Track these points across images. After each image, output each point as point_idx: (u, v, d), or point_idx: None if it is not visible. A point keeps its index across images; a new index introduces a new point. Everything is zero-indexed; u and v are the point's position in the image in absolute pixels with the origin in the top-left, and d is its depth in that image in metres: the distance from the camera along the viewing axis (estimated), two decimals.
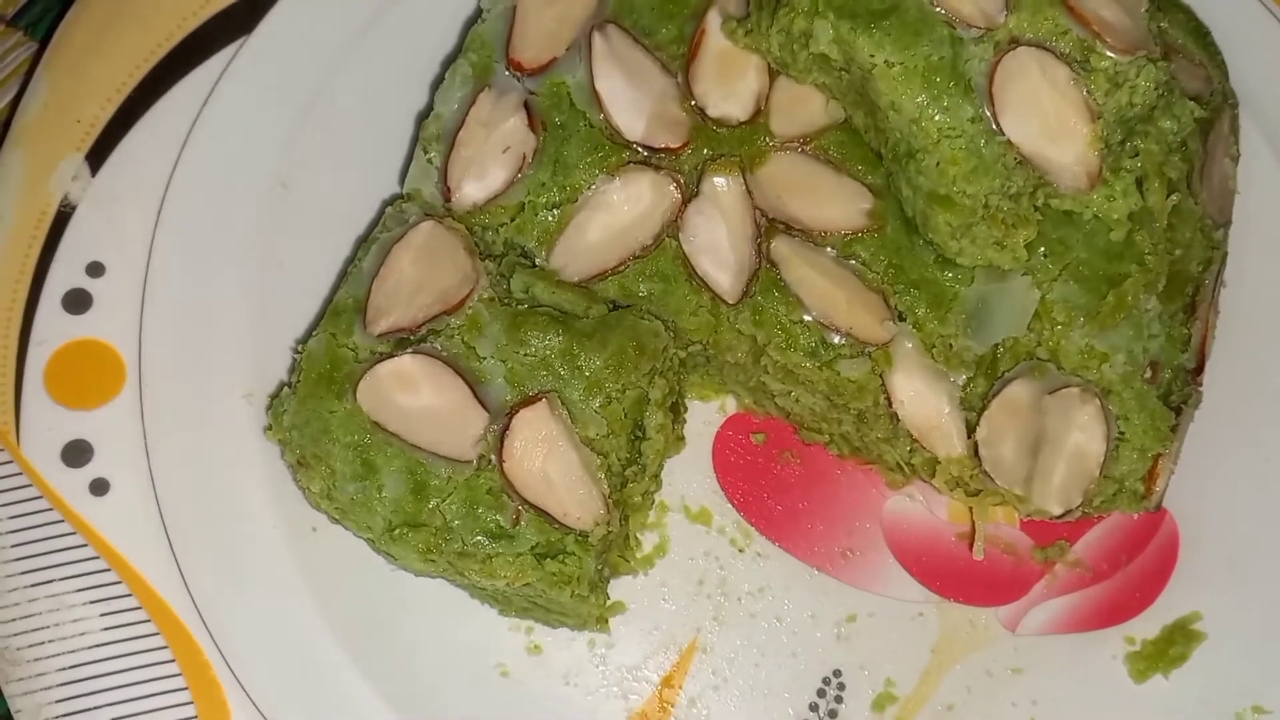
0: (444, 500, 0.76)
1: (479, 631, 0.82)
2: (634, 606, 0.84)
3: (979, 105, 0.73)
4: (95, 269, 0.86)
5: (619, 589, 0.84)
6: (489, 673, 0.81)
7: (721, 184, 0.81)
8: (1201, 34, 0.88)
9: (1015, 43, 0.74)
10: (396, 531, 0.77)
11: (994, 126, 0.73)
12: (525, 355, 0.78)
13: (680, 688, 0.82)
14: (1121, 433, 0.79)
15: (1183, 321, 0.81)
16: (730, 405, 0.89)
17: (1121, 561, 0.86)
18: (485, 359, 0.78)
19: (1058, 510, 0.77)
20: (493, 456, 0.76)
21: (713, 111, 0.82)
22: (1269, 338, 0.88)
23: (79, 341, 0.84)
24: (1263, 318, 0.88)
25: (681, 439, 0.88)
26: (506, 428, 0.76)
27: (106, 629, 0.76)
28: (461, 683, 0.81)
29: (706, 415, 0.88)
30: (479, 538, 0.76)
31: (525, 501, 0.76)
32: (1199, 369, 0.81)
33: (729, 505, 0.86)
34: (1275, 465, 0.86)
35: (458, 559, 0.76)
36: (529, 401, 0.76)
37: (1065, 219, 0.80)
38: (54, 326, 0.84)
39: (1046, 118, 0.74)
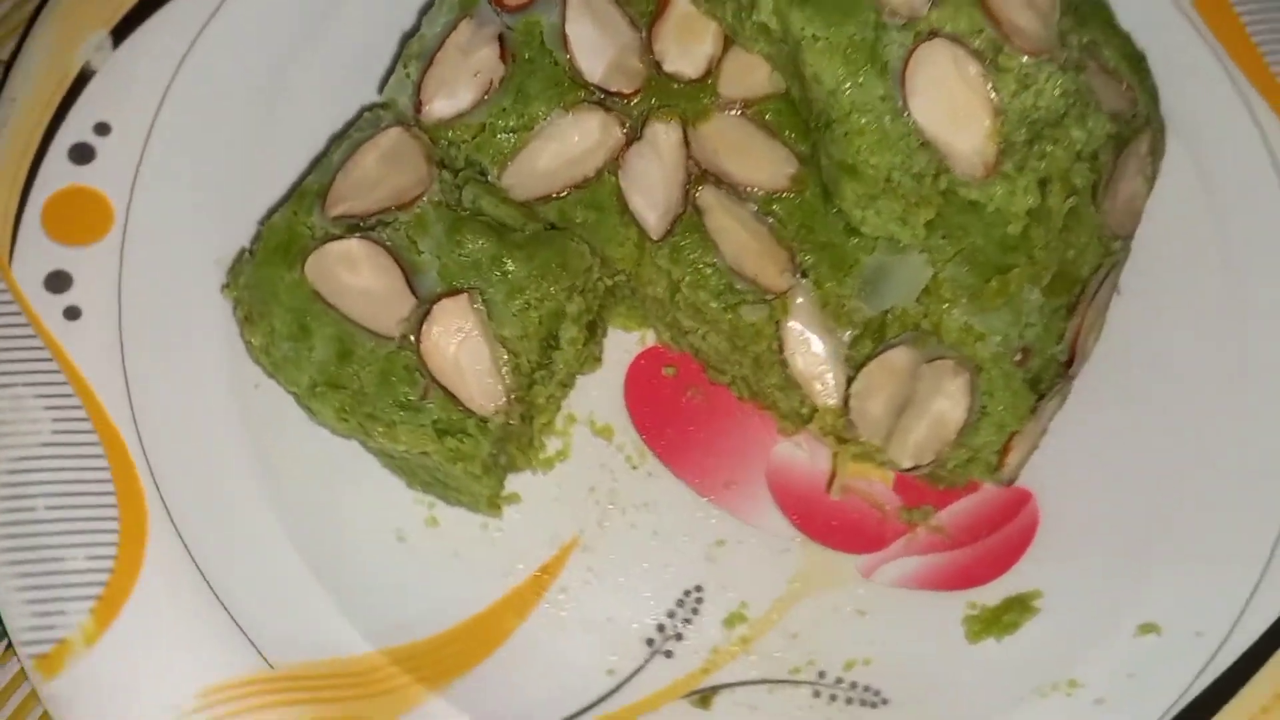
0: (364, 368, 0.85)
1: (385, 498, 0.90)
2: (528, 500, 0.92)
3: (891, 86, 0.81)
4: (102, 128, 0.96)
5: (518, 482, 0.93)
6: (387, 536, 0.90)
7: (661, 131, 0.89)
8: (1136, 60, 0.95)
9: (934, 34, 0.81)
10: (318, 389, 0.85)
11: (902, 106, 0.82)
12: (459, 255, 0.87)
13: (556, 575, 0.90)
14: (984, 407, 0.86)
15: (1063, 317, 0.88)
16: (650, 339, 0.97)
17: (980, 534, 0.93)
18: (424, 254, 0.86)
19: (907, 464, 0.84)
20: (413, 337, 0.85)
21: (668, 67, 0.90)
22: (1154, 347, 0.95)
23: (77, 188, 0.94)
24: (1151, 328, 0.95)
25: (598, 359, 0.96)
26: (429, 313, 0.84)
27: (55, 432, 0.86)
28: (361, 541, 0.89)
29: (627, 344, 0.96)
30: (388, 405, 0.84)
31: (435, 381, 0.85)
32: (1070, 363, 0.89)
33: (631, 426, 0.94)
34: (1138, 466, 0.93)
35: (367, 420, 0.85)
36: (453, 293, 0.85)
37: (969, 207, 0.87)
38: (57, 172, 0.94)
39: (952, 106, 0.81)
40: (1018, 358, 0.87)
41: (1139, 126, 0.93)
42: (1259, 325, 0.97)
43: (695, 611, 0.90)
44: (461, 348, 0.85)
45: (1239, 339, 0.96)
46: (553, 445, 0.94)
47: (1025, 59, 0.81)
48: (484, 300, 0.86)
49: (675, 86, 0.90)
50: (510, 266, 0.86)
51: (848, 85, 0.81)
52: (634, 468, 0.93)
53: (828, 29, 0.81)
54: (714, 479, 0.93)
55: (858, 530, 0.92)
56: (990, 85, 0.82)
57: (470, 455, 0.86)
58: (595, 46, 0.91)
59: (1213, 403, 0.95)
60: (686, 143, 0.89)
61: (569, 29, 0.91)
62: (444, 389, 0.85)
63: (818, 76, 0.82)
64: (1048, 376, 0.88)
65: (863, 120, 0.81)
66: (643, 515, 0.92)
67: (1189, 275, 0.99)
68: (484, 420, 0.86)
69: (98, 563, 0.85)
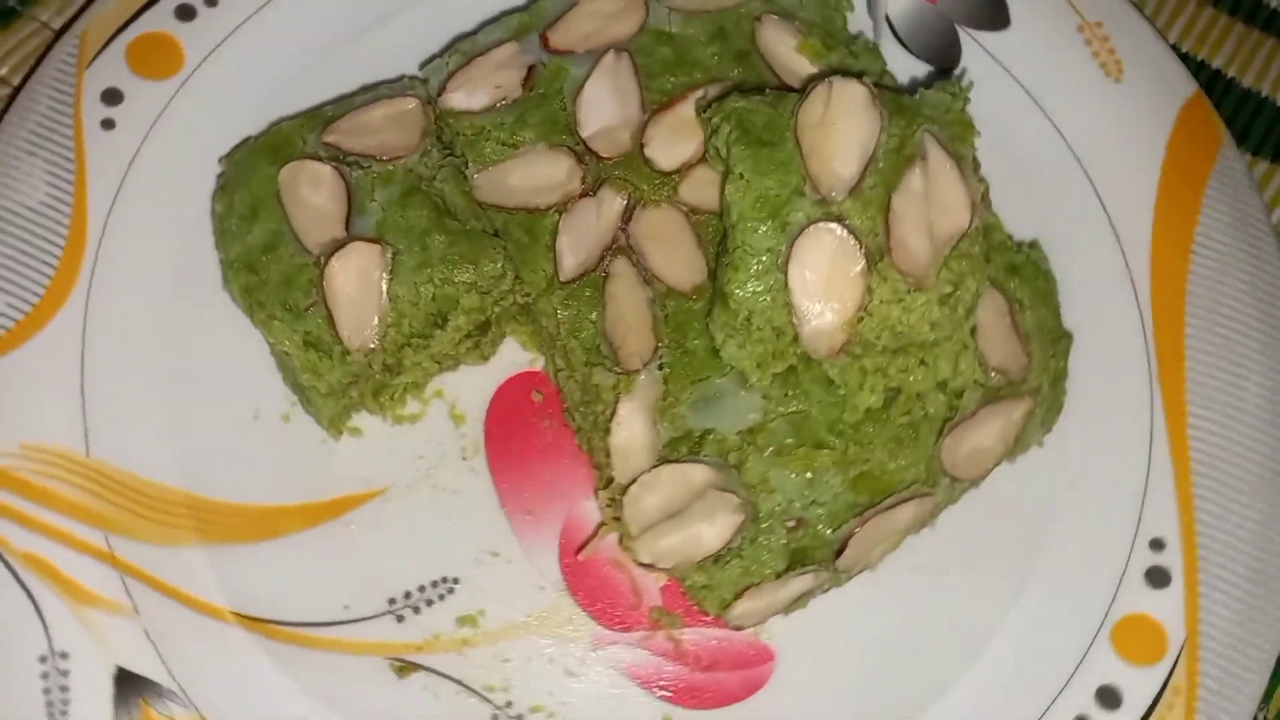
0: (277, 265, 0.98)
1: (263, 379, 1.03)
2: (366, 439, 1.03)
3: (781, 243, 0.90)
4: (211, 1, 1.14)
5: (368, 421, 1.04)
6: (246, 408, 1.02)
7: (612, 196, 1.00)
8: (1055, 338, 1.01)
9: (837, 219, 0.90)
10: (236, 265, 0.99)
11: (783, 265, 0.90)
12: (399, 216, 0.99)
13: (351, 510, 1.01)
14: (740, 549, 0.93)
15: (854, 513, 0.94)
16: (540, 363, 1.08)
17: (710, 665, 0.99)
18: (374, 202, 0.99)
19: (644, 559, 0.92)
20: (324, 259, 0.98)
21: (648, 151, 1.01)
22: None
23: (168, 36, 1.11)
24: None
25: (485, 356, 1.07)
26: (346, 245, 0.98)
27: (43, 203, 1.04)
28: (223, 398, 1.02)
29: (518, 359, 1.07)
30: (278, 301, 0.97)
31: (324, 301, 0.97)
32: (839, 554, 0.94)
33: (481, 423, 1.04)
34: (886, 667, 0.99)
35: (257, 305, 0.98)
36: (374, 241, 0.98)
37: (824, 378, 0.95)
38: (159, 19, 1.12)
39: (822, 285, 0.89)
40: (791, 524, 0.93)
41: (1021, 393, 0.98)
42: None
43: (441, 597, 0.99)
44: (357, 286, 0.97)
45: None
46: (412, 405, 1.05)
47: (901, 279, 0.89)
48: (395, 259, 0.98)
49: (645, 169, 1.01)
50: (432, 243, 0.99)
51: (747, 225, 0.90)
52: (464, 458, 1.03)
53: (753, 174, 0.91)
54: (520, 500, 1.03)
55: (611, 603, 1.00)
56: (866, 284, 0.90)
57: (321, 374, 0.98)
58: (600, 109, 1.02)
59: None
60: (628, 216, 1.00)
61: (587, 85, 1.03)
62: (328, 311, 0.97)
63: (729, 207, 0.91)
64: (813, 556, 0.94)
65: (746, 260, 0.90)
66: (446, 498, 1.02)
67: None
68: (346, 352, 0.98)
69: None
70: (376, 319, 0.98)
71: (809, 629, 1.00)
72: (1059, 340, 1.01)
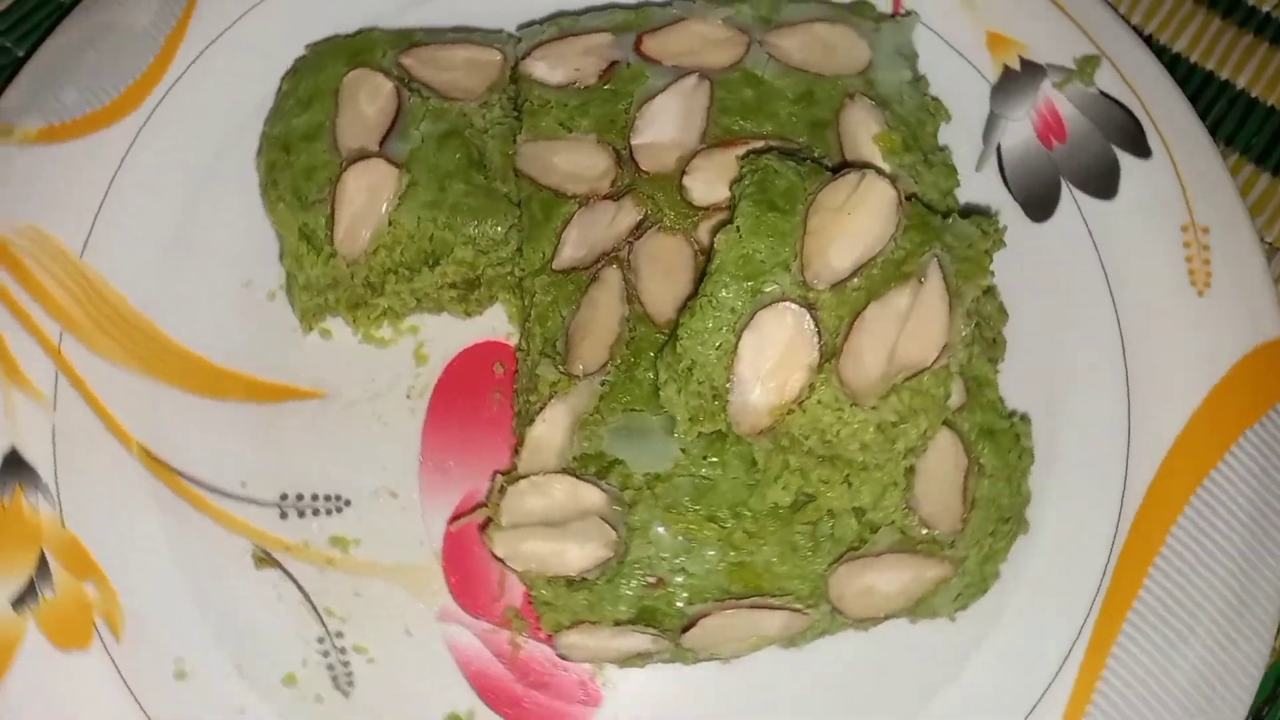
0: (305, 155, 1.01)
1: (260, 255, 1.07)
2: (332, 345, 1.06)
3: (747, 309, 0.87)
4: None
5: (342, 332, 1.06)
6: (237, 277, 1.06)
7: (631, 207, 0.98)
8: (1004, 516, 0.94)
9: (809, 306, 0.86)
10: (273, 139, 1.03)
11: (740, 329, 0.87)
12: (432, 153, 1.01)
13: (291, 401, 1.03)
14: (593, 582, 0.91)
15: (713, 596, 0.90)
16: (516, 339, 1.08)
17: (538, 685, 0.97)
18: (416, 131, 1.02)
19: (497, 551, 0.90)
20: (346, 164, 1.00)
21: (686, 179, 0.99)
22: None
23: None
24: None
25: (469, 312, 1.08)
26: (368, 159, 1.00)
27: None
28: (217, 266, 1.06)
29: (500, 327, 1.07)
30: (291, 188, 1.00)
31: (330, 201, 1.00)
32: (686, 629, 0.90)
33: (438, 372, 1.06)
34: None
35: (273, 184, 1.02)
36: (394, 163, 1.00)
37: (749, 456, 0.91)
38: None
39: (770, 361, 0.86)
40: (651, 580, 0.91)
41: (942, 556, 0.92)
42: None
43: (328, 512, 1.01)
44: (364, 199, 0.99)
45: None
46: (385, 331, 1.07)
47: (842, 388, 0.85)
48: (410, 189, 1.00)
49: (675, 196, 0.99)
50: (451, 188, 1.00)
51: (721, 278, 0.88)
52: (408, 396, 1.04)
53: (749, 232, 0.88)
54: (440, 455, 1.03)
55: (474, 585, 0.99)
56: (810, 380, 0.86)
57: (303, 266, 1.01)
58: (660, 124, 1.02)
59: None
60: (638, 231, 0.99)
61: (659, 98, 1.02)
62: (332, 211, 1.00)
63: (714, 254, 0.89)
64: (659, 620, 0.91)
65: (706, 311, 0.87)
66: (375, 426, 1.03)
67: None
68: (333, 255, 1.00)
69: None
70: (369, 235, 1.00)
71: (648, 695, 0.97)
72: (1008, 521, 0.94)
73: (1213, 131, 1.17)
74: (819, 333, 0.86)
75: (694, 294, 0.91)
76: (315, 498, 1.02)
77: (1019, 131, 1.11)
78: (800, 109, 1.02)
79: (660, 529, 0.90)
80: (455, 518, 1.00)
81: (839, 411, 0.86)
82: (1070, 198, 1.08)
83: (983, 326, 0.97)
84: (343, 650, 0.97)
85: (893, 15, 1.09)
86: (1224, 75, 1.23)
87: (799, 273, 0.87)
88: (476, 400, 1.05)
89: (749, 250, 0.88)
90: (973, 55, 1.12)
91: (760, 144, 1.00)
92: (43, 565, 0.95)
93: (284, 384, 1.05)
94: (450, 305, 1.07)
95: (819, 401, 0.86)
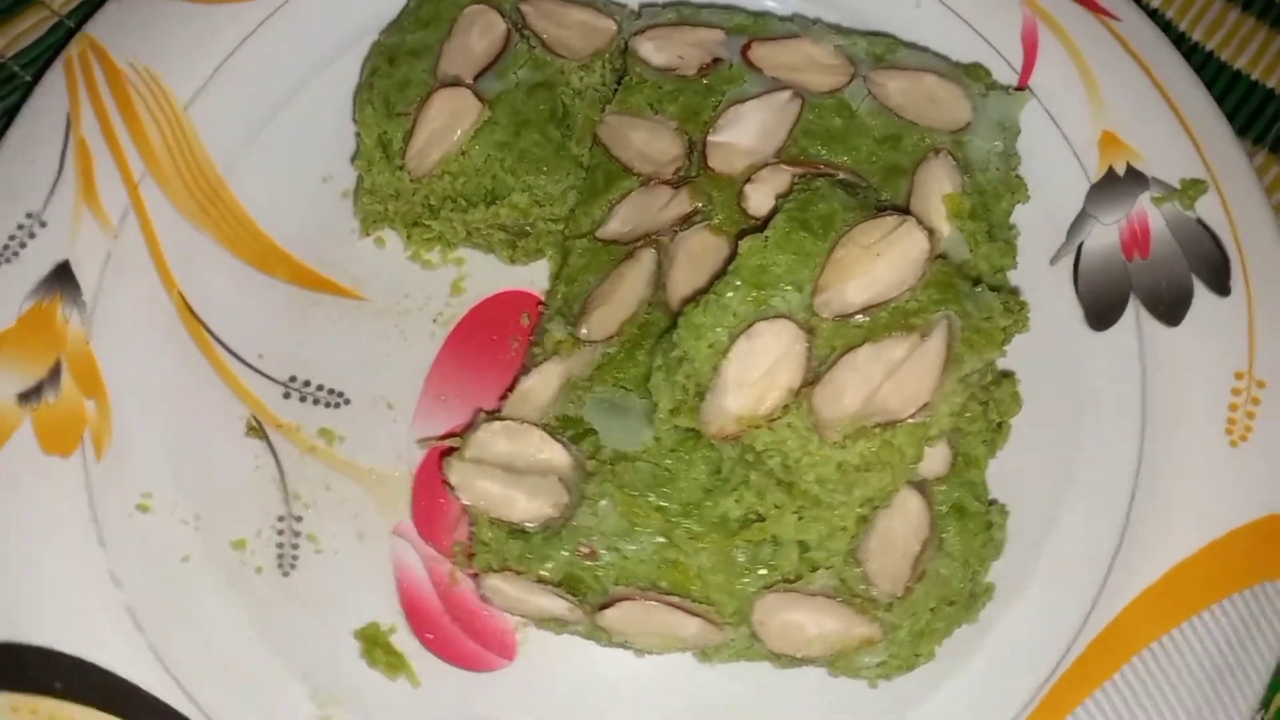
0: (408, 68, 1.05)
1: (338, 156, 1.12)
2: (383, 254, 1.09)
3: (749, 314, 0.86)
4: None
5: (395, 245, 1.10)
6: (320, 169, 1.11)
7: (687, 200, 0.99)
8: (948, 599, 0.91)
9: (809, 330, 0.86)
10: (382, 47, 1.08)
11: (735, 332, 0.86)
12: (520, 98, 1.04)
13: (327, 294, 1.07)
14: (530, 537, 0.91)
15: (641, 587, 0.90)
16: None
17: (461, 621, 0.98)
18: (513, 75, 1.05)
19: (451, 477, 0.92)
20: (439, 86, 1.04)
21: (748, 187, 0.98)
22: None
23: None
24: None
25: (514, 259, 1.10)
26: (458, 85, 1.03)
27: None
28: (306, 154, 1.11)
29: (541, 281, 1.09)
30: (383, 95, 1.05)
31: (413, 118, 1.04)
32: (604, 607, 0.91)
33: (468, 307, 1.08)
34: None
35: (368, 88, 1.06)
36: (481, 98, 1.03)
37: (715, 465, 0.91)
38: None
39: (755, 372, 0.85)
40: (586, 550, 0.91)
41: (875, 617, 0.90)
42: None
43: (327, 405, 1.04)
44: (443, 123, 1.03)
45: None
46: (433, 255, 1.10)
47: (811, 415, 0.84)
48: (487, 125, 1.03)
49: (733, 199, 0.99)
50: (525, 134, 1.03)
51: (734, 280, 0.88)
52: (434, 320, 1.07)
53: (776, 246, 0.88)
54: (444, 383, 1.06)
55: (435, 509, 1.01)
56: (786, 401, 0.85)
57: (371, 172, 1.05)
58: (741, 129, 1.02)
59: None
60: (686, 222, 0.99)
61: (749, 103, 1.03)
62: (413, 127, 1.04)
63: (737, 254, 0.89)
64: (581, 590, 0.91)
65: (711, 309, 0.88)
66: (395, 339, 1.06)
67: None
68: (401, 168, 1.04)
69: None
70: (438, 158, 1.03)
71: (560, 666, 0.97)
72: (953, 605, 0.91)
73: None
74: (809, 358, 0.86)
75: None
76: (320, 388, 1.06)
77: (1104, 235, 1.07)
78: (882, 150, 1.02)
79: (608, 504, 0.91)
80: (424, 438, 1.03)
81: (805, 440, 0.85)
82: (1133, 313, 1.04)
83: (988, 408, 0.94)
84: (296, 534, 1.01)
85: (1007, 87, 1.07)
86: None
87: (809, 296, 0.87)
88: (495, 342, 1.07)
89: (769, 261, 0.88)
90: (1081, 149, 1.09)
91: (831, 173, 1.01)
92: (55, 372, 1.01)
93: (328, 277, 1.09)
94: (499, 247, 1.10)
95: (789, 424, 0.85)
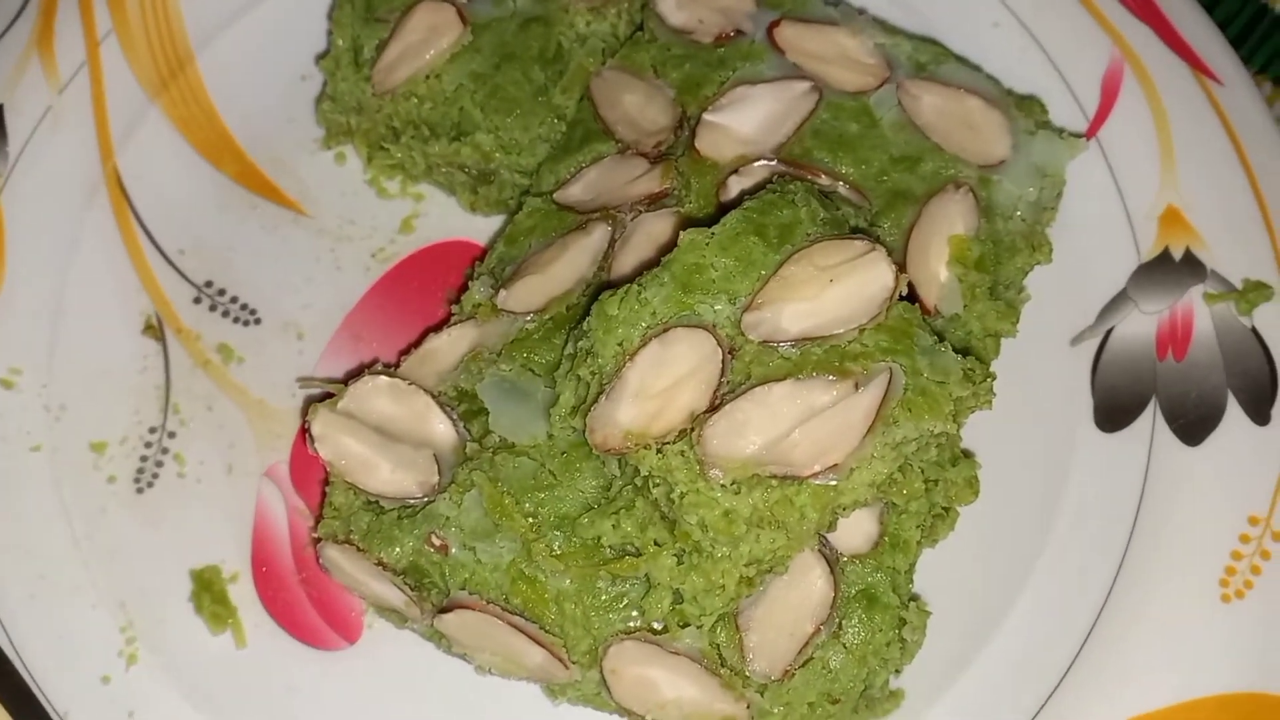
0: None
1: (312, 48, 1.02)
2: (340, 173, 0.99)
3: (669, 316, 0.74)
4: None
5: (355, 169, 1.00)
6: (298, 68, 1.02)
7: (657, 176, 0.86)
8: (827, 692, 0.77)
9: (730, 350, 0.73)
10: None
11: (650, 333, 0.74)
12: (508, 30, 0.94)
13: (269, 201, 0.98)
14: (381, 513, 0.81)
15: (486, 596, 0.79)
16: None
17: (309, 585, 0.88)
18: (510, 3, 0.94)
19: (314, 427, 0.81)
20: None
21: (732, 180, 0.86)
22: None
23: None
24: None
25: (473, 207, 0.98)
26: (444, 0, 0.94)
27: None
28: (284, 51, 1.02)
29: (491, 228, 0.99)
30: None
31: (391, 28, 0.94)
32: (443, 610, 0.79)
33: (410, 250, 0.97)
34: None
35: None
36: (465, 20, 0.92)
37: (605, 483, 0.79)
38: None
39: (660, 381, 0.73)
40: (438, 542, 0.79)
41: (738, 693, 0.76)
42: None
43: (235, 320, 0.95)
44: (420, 35, 0.93)
45: None
46: (391, 186, 0.99)
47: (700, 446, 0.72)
48: (465, 50, 0.92)
49: (711, 189, 0.86)
50: (506, 70, 0.92)
51: (659, 277, 0.75)
52: (372, 255, 0.97)
53: (720, 246, 0.75)
54: (362, 324, 0.95)
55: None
56: (684, 421, 0.72)
57: (337, 75, 0.96)
58: (742, 116, 0.89)
59: None
60: (653, 203, 0.86)
61: (757, 87, 0.89)
62: (390, 34, 0.94)
63: (676, 246, 0.76)
64: (424, 583, 0.80)
65: (629, 301, 0.75)
66: (325, 261, 0.97)
67: None
68: (367, 79, 0.94)
69: None
70: (406, 75, 0.93)
71: (401, 662, 0.86)
72: (837, 705, 0.76)
73: None
74: (721, 382, 0.74)
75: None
76: (234, 300, 0.96)
77: (1139, 325, 0.91)
78: (896, 170, 0.88)
79: (475, 497, 0.80)
80: (305, 378, 0.93)
81: (695, 474, 0.72)
82: (1149, 420, 0.88)
83: (934, 488, 0.80)
84: (164, 450, 0.91)
85: (1061, 130, 0.92)
86: None
87: (740, 311, 0.74)
88: (428, 292, 0.96)
89: (708, 262, 0.75)
90: (1139, 221, 0.93)
91: (826, 182, 0.88)
92: None
93: (274, 182, 0.99)
94: (460, 190, 0.99)
95: (681, 452, 0.72)
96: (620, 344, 0.75)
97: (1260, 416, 0.87)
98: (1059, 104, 0.98)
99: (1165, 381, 0.90)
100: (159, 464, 0.91)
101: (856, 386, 0.72)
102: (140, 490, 0.91)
